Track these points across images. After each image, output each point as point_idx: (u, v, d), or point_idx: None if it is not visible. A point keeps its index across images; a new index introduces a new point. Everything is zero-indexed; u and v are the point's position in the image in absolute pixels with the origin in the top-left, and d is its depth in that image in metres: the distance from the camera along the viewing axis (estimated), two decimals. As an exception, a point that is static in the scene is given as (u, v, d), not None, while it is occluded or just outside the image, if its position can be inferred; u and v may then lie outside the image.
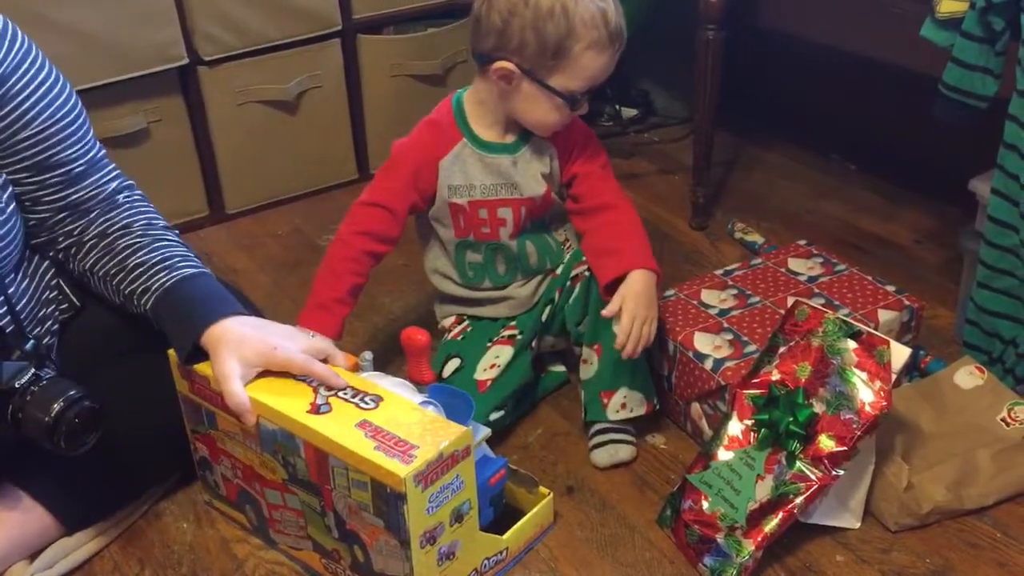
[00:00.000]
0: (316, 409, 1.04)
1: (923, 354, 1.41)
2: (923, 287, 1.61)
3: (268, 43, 1.84)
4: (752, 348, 1.30)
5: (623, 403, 1.32)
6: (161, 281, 1.13)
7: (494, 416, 1.32)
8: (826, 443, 1.14)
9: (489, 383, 1.33)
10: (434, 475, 0.98)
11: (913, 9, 1.36)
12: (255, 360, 1.07)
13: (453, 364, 1.37)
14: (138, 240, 1.16)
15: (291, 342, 1.09)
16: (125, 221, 1.17)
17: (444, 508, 1.01)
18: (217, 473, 1.20)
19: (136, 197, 1.20)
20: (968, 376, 1.32)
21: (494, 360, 1.35)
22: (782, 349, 1.21)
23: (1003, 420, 1.26)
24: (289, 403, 1.05)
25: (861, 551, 1.17)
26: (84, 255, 1.17)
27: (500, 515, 1.16)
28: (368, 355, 1.20)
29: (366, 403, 1.05)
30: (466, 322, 1.43)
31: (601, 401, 1.31)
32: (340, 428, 1.01)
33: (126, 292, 1.15)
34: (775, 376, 1.20)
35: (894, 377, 1.14)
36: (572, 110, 1.28)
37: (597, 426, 1.33)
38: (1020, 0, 1.16)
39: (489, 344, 1.37)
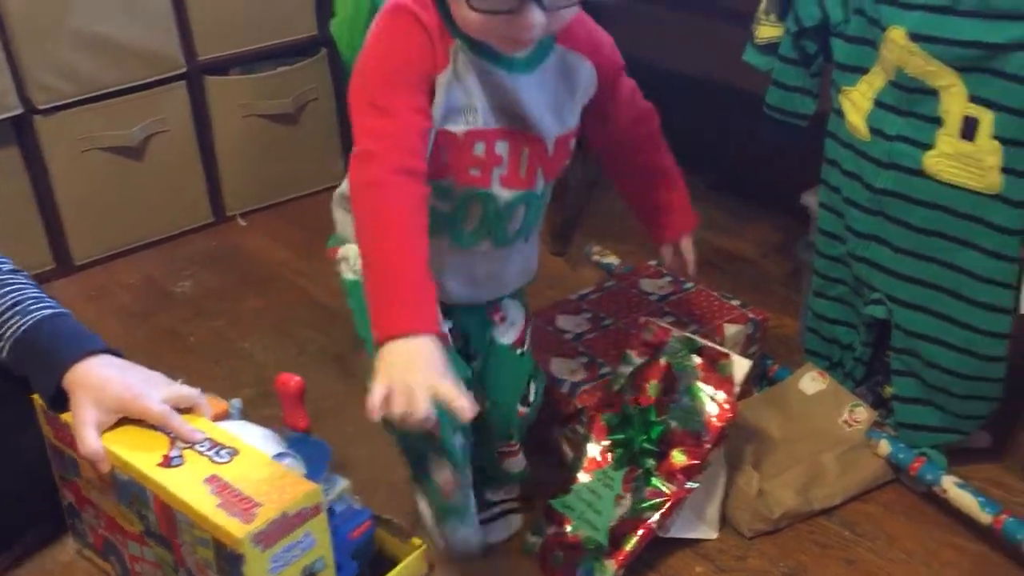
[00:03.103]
0: (168, 462, 1.01)
1: (770, 363, 1.46)
2: (770, 299, 1.67)
3: (108, 89, 1.79)
4: (607, 370, 1.32)
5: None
6: (16, 326, 1.09)
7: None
8: (679, 458, 1.17)
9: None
10: (277, 534, 0.94)
11: (738, 34, 1.43)
12: (113, 406, 1.03)
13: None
14: None
15: (153, 389, 1.06)
16: None
17: (292, 568, 0.97)
18: (85, 522, 1.16)
19: None
20: (811, 382, 1.38)
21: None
22: (632, 368, 1.24)
23: (845, 422, 1.32)
24: (141, 455, 1.02)
25: (720, 560, 1.20)
26: None
27: (368, 566, 1.13)
28: (237, 403, 1.16)
29: (220, 457, 1.02)
30: None
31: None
32: (187, 483, 0.98)
33: None
34: (628, 396, 1.23)
35: (737, 389, 1.18)
36: (476, 9, 0.88)
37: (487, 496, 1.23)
38: (829, 25, 1.23)
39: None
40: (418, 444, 1.08)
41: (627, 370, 1.24)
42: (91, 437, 1.02)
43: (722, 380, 1.18)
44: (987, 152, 1.12)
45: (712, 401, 1.17)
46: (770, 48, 1.31)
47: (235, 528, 0.92)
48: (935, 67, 1.12)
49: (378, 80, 0.92)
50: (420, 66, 0.93)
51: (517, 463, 1.23)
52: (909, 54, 1.14)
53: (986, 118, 1.11)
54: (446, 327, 1.01)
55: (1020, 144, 1.10)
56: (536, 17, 0.88)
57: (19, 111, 1.70)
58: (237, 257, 1.91)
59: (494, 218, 1.03)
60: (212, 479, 0.99)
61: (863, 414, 1.31)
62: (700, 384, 1.19)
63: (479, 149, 0.97)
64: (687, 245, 1.22)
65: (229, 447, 1.03)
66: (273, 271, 1.83)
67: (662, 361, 1.22)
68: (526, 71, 0.97)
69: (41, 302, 1.12)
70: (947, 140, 1.15)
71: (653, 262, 1.58)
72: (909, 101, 1.16)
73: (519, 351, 1.17)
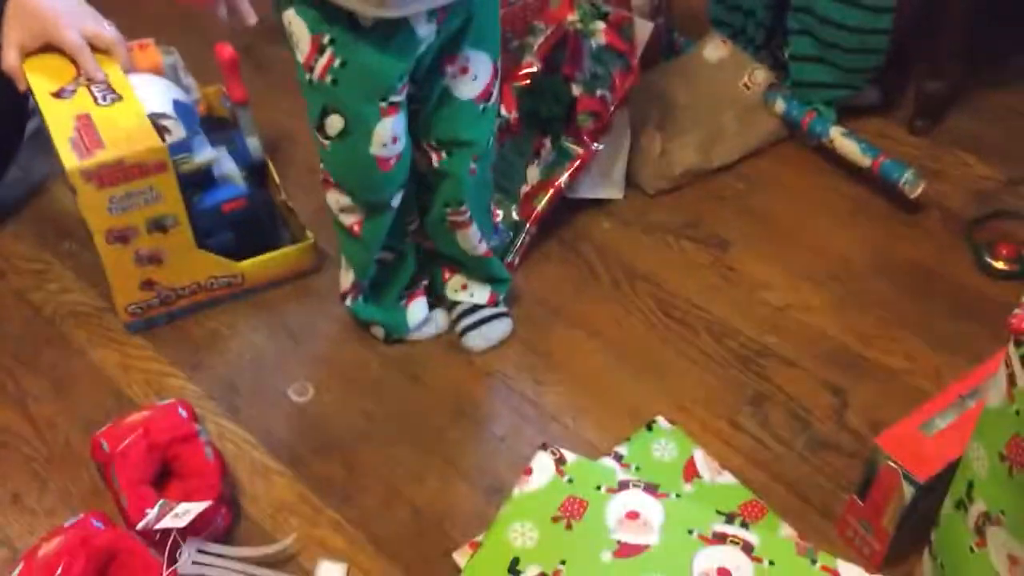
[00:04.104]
0: (60, 93, 1.10)
1: (676, 36, 1.50)
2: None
3: None
4: (515, 43, 1.35)
5: (464, 285, 1.14)
6: None
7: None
8: (584, 120, 1.23)
9: (394, 162, 0.97)
10: (113, 178, 1.03)
11: None
12: (37, 30, 1.12)
13: (335, 124, 0.94)
14: None
15: (79, 21, 1.13)
16: None
17: (135, 214, 1.06)
18: None
19: None
20: (715, 50, 1.42)
21: (393, 133, 0.95)
22: (540, 39, 1.27)
23: (744, 85, 1.38)
24: (43, 81, 1.12)
25: (624, 216, 1.30)
26: None
27: (250, 242, 1.17)
28: (172, 59, 1.22)
29: (103, 100, 1.09)
30: (330, 48, 0.89)
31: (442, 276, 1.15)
32: (61, 115, 1.07)
33: None
34: (535, 67, 1.26)
35: (639, 51, 1.22)
36: None
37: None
38: None
39: (383, 106, 0.92)
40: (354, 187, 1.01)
41: (534, 41, 1.27)
42: (12, 56, 1.12)
43: (626, 44, 1.22)
44: None
45: (616, 64, 1.22)
46: None
47: (69, 161, 1.02)
48: None
49: None
50: None
51: (470, 236, 1.07)
52: None
53: None
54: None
55: None
56: None
57: None
58: None
59: None
60: (83, 116, 1.07)
61: (762, 76, 1.37)
62: (604, 49, 1.22)
63: None
64: None
65: (117, 93, 1.10)
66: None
67: (568, 29, 1.24)
68: None
69: None
70: None
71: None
72: None
73: (482, 106, 1.00)
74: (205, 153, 1.12)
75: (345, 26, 0.87)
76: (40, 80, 1.12)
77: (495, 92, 1.00)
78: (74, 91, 1.10)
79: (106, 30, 1.15)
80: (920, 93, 1.38)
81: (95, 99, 1.09)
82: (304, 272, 1.22)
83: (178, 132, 1.09)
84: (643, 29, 1.22)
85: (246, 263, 1.17)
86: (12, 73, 1.13)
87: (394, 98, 0.92)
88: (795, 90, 1.36)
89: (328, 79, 0.90)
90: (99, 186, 1.03)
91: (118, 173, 1.03)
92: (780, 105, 1.35)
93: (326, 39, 0.88)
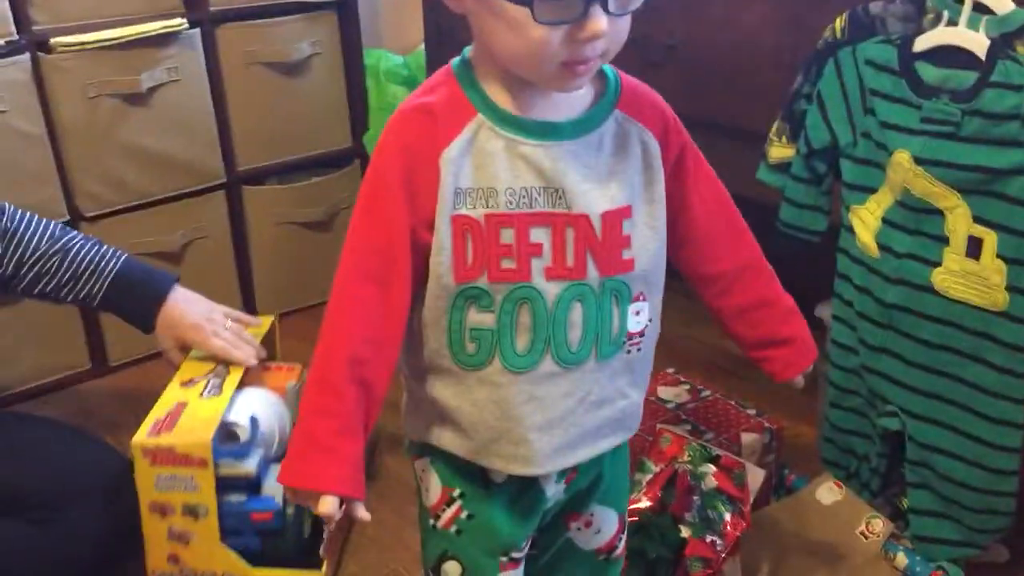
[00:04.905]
0: (189, 382, 1.31)
1: (787, 472, 1.48)
2: (786, 407, 1.69)
3: (151, 198, 1.88)
4: (624, 477, 1.35)
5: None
6: (109, 263, 1.36)
7: None
8: (694, 566, 1.18)
9: None
10: (164, 460, 1.19)
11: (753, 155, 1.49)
12: (186, 339, 1.38)
13: (451, 571, 0.91)
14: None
15: (217, 325, 1.37)
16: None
17: (173, 495, 1.21)
18: None
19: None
20: (828, 492, 1.39)
21: None
22: (649, 476, 1.27)
23: (862, 533, 1.33)
24: (187, 371, 1.34)
25: (736, 672, 1.20)
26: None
27: (274, 553, 1.29)
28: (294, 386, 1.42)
29: (208, 393, 1.27)
30: (459, 501, 0.90)
31: None
32: (170, 398, 1.27)
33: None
34: (644, 503, 1.25)
35: (752, 498, 1.20)
36: (542, 22, 0.74)
37: None
38: (838, 147, 1.29)
39: (503, 561, 0.91)
40: None
41: (643, 478, 1.27)
42: (176, 357, 1.37)
43: (737, 489, 1.20)
44: (992, 271, 1.16)
45: (727, 510, 1.19)
46: (782, 167, 1.36)
47: (137, 435, 1.21)
48: (940, 189, 1.17)
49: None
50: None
51: None
52: (915, 176, 1.19)
53: (990, 238, 1.15)
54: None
55: (1023, 264, 1.14)
56: (601, 22, 0.74)
57: (66, 219, 1.79)
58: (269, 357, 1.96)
59: (547, 324, 0.83)
60: (182, 403, 1.25)
61: (880, 526, 1.32)
62: (716, 493, 1.21)
63: (507, 236, 0.81)
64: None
65: (221, 392, 1.27)
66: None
67: (678, 469, 1.24)
68: (571, 136, 0.83)
69: (109, 247, 1.39)
70: (953, 258, 1.19)
71: (670, 369, 1.62)
72: (916, 220, 1.21)
73: (604, 558, 0.97)
74: (250, 465, 1.26)
75: (477, 483, 0.88)
76: (185, 370, 1.33)
77: (620, 545, 0.98)
78: (194, 382, 1.29)
79: (239, 315, 1.42)
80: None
81: (201, 392, 1.27)
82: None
83: (240, 435, 1.26)
84: (755, 475, 1.21)
85: (258, 570, 1.27)
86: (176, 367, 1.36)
87: (515, 554, 0.91)
88: (916, 544, 1.30)
89: (453, 528, 0.90)
90: (151, 463, 1.20)
91: (169, 456, 1.19)
92: (902, 559, 1.29)
93: (456, 492, 0.89)
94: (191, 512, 1.21)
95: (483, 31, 0.79)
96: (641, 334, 0.88)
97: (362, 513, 0.83)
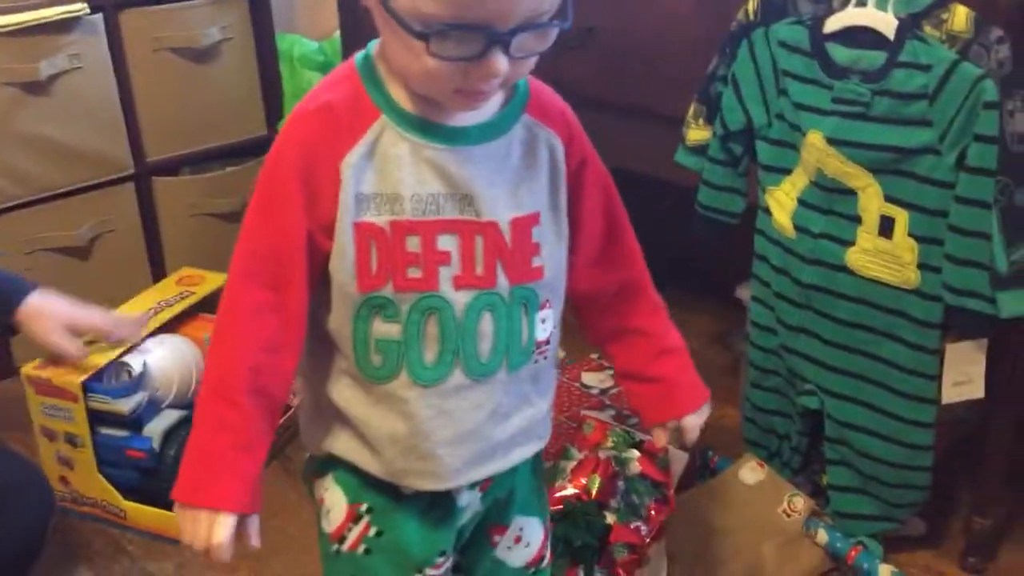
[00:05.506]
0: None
1: (711, 455, 1.48)
2: (712, 390, 1.68)
3: (55, 191, 1.81)
4: (547, 464, 1.33)
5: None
6: None
7: None
8: (620, 552, 1.18)
9: None
10: (44, 391, 1.37)
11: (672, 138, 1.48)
12: (67, 325, 1.36)
13: None
14: None
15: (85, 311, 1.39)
16: None
17: (56, 423, 1.39)
18: None
19: None
20: (751, 472, 1.40)
21: None
22: (574, 464, 1.26)
23: (783, 512, 1.34)
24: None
25: (663, 656, 1.20)
26: None
27: (150, 485, 1.40)
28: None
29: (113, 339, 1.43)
30: (367, 517, 0.85)
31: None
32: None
33: None
34: (568, 491, 1.24)
35: (675, 481, 1.20)
36: (435, 55, 0.71)
37: None
38: (754, 129, 1.29)
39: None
40: None
41: (568, 465, 1.26)
42: (63, 342, 1.34)
43: (661, 473, 1.20)
44: (904, 249, 1.18)
45: (651, 495, 1.19)
46: (699, 150, 1.36)
47: (28, 365, 1.37)
48: (852, 169, 1.18)
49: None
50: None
51: None
52: (827, 156, 1.20)
53: (901, 217, 1.17)
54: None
55: (933, 241, 1.16)
56: (500, 65, 0.72)
57: (-37, 213, 1.71)
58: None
59: (456, 335, 0.79)
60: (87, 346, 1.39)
61: (801, 503, 1.33)
62: (639, 478, 1.20)
63: (413, 244, 0.78)
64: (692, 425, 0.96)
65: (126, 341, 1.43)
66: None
67: (602, 456, 1.23)
68: (479, 141, 0.79)
69: None
70: (867, 237, 1.20)
71: (594, 355, 1.61)
72: (830, 200, 1.22)
73: (533, 571, 0.94)
74: (126, 404, 1.37)
75: (386, 495, 0.84)
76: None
77: (547, 553, 0.95)
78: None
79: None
80: (969, 530, 1.33)
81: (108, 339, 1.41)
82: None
83: (130, 381, 1.38)
84: (678, 459, 1.21)
85: (128, 503, 1.40)
86: (81, 353, 1.36)
87: (430, 572, 0.86)
88: (836, 520, 1.32)
89: (360, 548, 0.85)
90: (36, 392, 1.38)
91: (47, 388, 1.36)
92: (823, 536, 1.30)
93: (363, 507, 0.85)
94: (71, 441, 1.39)
95: (383, 38, 0.77)
96: (547, 342, 0.84)
97: (255, 538, 0.78)
